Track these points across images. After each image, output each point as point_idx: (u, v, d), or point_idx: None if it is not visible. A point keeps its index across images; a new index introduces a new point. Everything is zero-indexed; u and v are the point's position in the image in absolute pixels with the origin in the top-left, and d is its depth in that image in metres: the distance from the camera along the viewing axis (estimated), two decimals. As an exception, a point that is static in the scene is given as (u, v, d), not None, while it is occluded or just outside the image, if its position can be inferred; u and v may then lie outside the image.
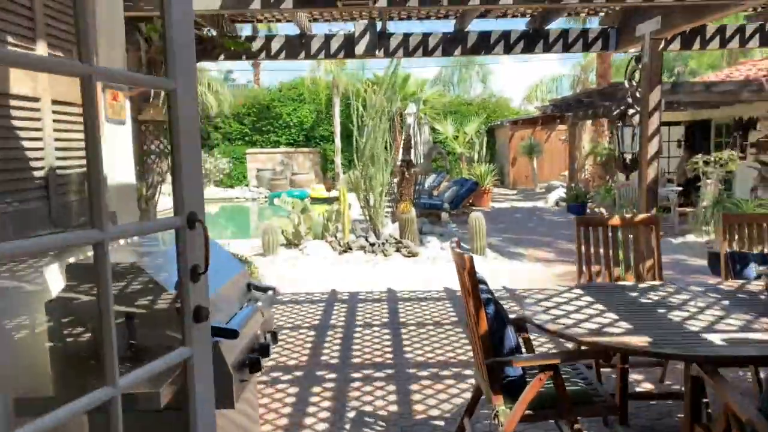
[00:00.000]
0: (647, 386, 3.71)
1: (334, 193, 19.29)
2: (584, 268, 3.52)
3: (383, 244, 8.35)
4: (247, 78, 33.12)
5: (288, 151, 22.24)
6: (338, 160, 21.36)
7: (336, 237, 8.67)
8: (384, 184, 8.84)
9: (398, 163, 10.58)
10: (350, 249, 8.31)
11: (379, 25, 7.88)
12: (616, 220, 3.59)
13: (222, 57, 7.88)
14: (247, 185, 21.74)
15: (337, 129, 21.12)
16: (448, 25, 8.33)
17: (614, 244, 3.54)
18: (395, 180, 10.09)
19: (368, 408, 3.48)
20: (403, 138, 11.76)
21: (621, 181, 10.54)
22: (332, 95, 20.97)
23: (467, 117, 21.51)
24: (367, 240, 8.48)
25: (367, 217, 9.02)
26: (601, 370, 3.44)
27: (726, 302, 2.80)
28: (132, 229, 1.96)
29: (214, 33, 7.59)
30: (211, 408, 1.54)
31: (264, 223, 8.26)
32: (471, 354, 3.59)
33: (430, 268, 7.53)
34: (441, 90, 23.20)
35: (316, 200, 19.24)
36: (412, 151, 17.81)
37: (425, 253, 8.23)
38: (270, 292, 2.46)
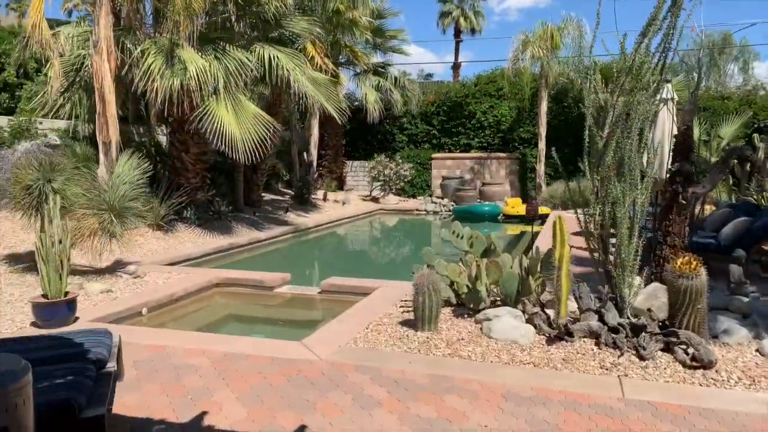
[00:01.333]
0: None
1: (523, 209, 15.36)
2: None
3: (635, 333, 4.46)
4: (445, 68, 30.38)
5: (480, 156, 18.74)
6: (541, 168, 17.29)
7: (542, 306, 4.97)
8: (640, 213, 4.91)
9: (659, 176, 6.50)
10: (569, 336, 4.56)
11: None
12: None
13: None
14: (429, 195, 18.75)
15: (543, 130, 17.06)
16: None
17: None
18: (649, 206, 5.98)
19: None
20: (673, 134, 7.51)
21: None
22: (538, 88, 16.97)
23: (722, 116, 15.91)
24: (602, 320, 4.65)
25: (603, 271, 5.18)
26: None
27: None
28: None
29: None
30: None
31: (421, 272, 4.90)
32: None
33: (746, 399, 3.53)
34: (684, 80, 17.78)
35: (510, 218, 15.48)
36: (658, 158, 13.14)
37: (729, 363, 4.16)
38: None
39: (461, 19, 42.35)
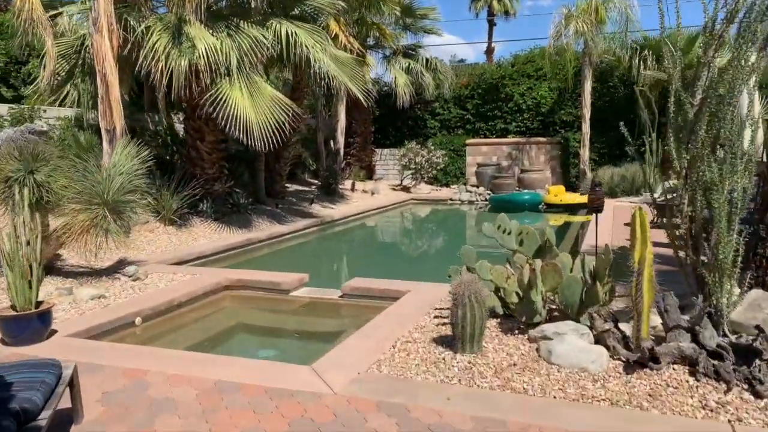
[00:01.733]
0: None
1: (576, 198, 14.14)
2: None
3: (743, 359, 3.40)
4: (477, 54, 29.06)
5: (518, 141, 17.53)
6: (585, 153, 15.99)
7: (615, 321, 3.91)
8: (741, 201, 3.82)
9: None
10: (654, 362, 3.52)
11: None
12: None
13: None
14: (464, 184, 17.65)
15: (587, 112, 15.76)
16: None
17: None
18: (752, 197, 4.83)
19: None
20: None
21: None
22: (582, 67, 15.65)
23: (788, 92, 14.36)
24: (696, 340, 3.59)
25: (689, 274, 4.12)
26: None
27: None
28: None
29: None
30: None
31: (460, 278, 3.90)
32: None
33: None
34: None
35: (553, 208, 14.31)
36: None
37: None
38: None
39: (494, 2, 40.87)
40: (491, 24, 41.96)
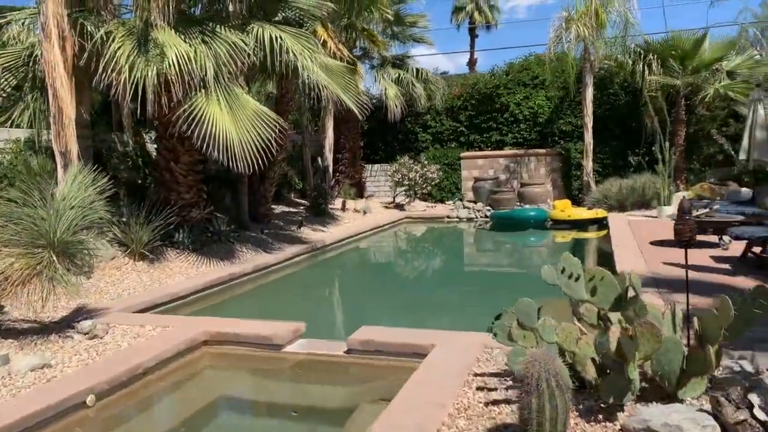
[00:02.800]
0: None
1: (583, 213, 13.16)
2: None
3: None
4: (457, 67, 28.23)
5: (516, 153, 16.58)
6: (589, 164, 15.07)
7: (748, 405, 2.83)
8: None
9: None
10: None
11: None
12: None
13: None
14: (460, 199, 16.63)
15: (589, 121, 14.86)
16: None
17: None
18: None
19: None
20: None
21: None
22: (582, 73, 14.77)
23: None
24: None
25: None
26: None
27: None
28: None
29: None
30: None
31: (532, 355, 2.81)
32: None
33: None
34: (755, 56, 15.47)
35: (560, 224, 13.32)
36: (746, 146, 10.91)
37: None
38: None
39: (476, 14, 40.37)
40: (473, 35, 41.50)
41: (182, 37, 7.70)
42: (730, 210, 9.24)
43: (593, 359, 3.32)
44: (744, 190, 12.28)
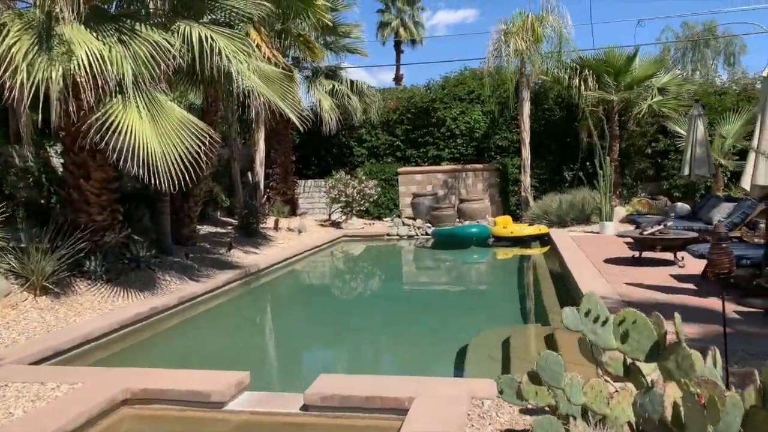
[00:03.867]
0: None
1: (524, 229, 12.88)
2: None
3: None
4: (380, 84, 27.94)
5: (455, 168, 16.23)
6: (527, 180, 14.93)
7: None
8: None
9: None
10: None
11: None
12: None
13: None
14: (399, 216, 16.04)
15: (527, 136, 14.74)
16: None
17: None
18: None
19: None
20: None
21: None
22: (519, 88, 14.65)
23: (720, 113, 14.11)
24: None
25: None
26: None
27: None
28: None
29: None
30: None
31: None
32: None
33: None
34: (681, 74, 15.96)
35: (502, 241, 12.98)
36: (688, 160, 10.95)
37: None
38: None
39: (401, 30, 40.54)
40: (398, 51, 41.60)
41: (94, 34, 6.62)
42: (678, 226, 9.12)
43: (630, 424, 2.69)
44: (680, 204, 12.42)
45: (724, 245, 3.22)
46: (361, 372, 5.36)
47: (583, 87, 14.05)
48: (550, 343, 5.67)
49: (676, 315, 2.82)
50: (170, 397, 4.26)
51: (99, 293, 7.24)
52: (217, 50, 7.15)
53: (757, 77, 15.61)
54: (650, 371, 2.95)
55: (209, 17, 8.59)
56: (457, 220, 14.72)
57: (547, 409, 3.02)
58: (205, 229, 12.53)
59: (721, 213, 9.28)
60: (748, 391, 2.77)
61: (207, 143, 7.14)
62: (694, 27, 20.31)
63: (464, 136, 16.51)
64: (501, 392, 3.05)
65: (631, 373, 2.95)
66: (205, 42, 7.14)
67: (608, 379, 2.96)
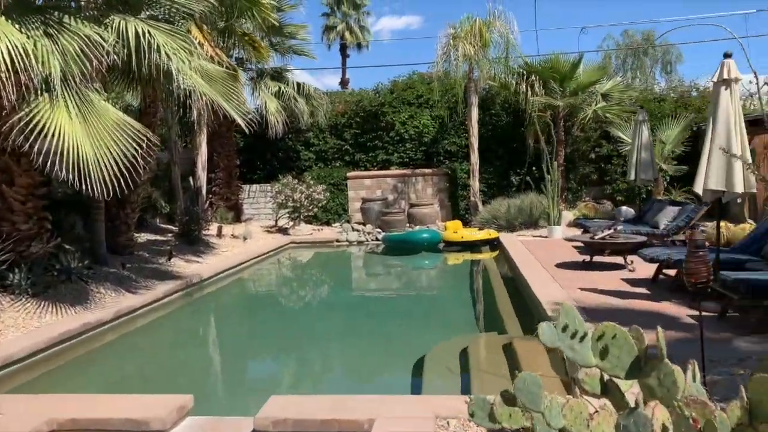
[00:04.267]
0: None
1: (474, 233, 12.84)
2: None
3: None
4: (324, 84, 27.62)
5: (404, 173, 16.10)
6: (476, 184, 14.96)
7: None
8: None
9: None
10: None
11: None
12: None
13: None
14: (348, 221, 15.75)
15: (475, 141, 14.76)
16: None
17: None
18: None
19: None
20: None
21: None
22: (467, 93, 14.66)
23: (660, 119, 14.56)
24: None
25: None
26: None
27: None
28: None
29: None
30: None
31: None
32: None
33: None
34: (622, 81, 16.39)
35: (452, 245, 12.90)
36: (634, 165, 11.14)
37: None
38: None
39: (347, 33, 40.38)
40: (344, 55, 41.40)
41: (17, 26, 6.05)
42: (626, 230, 9.24)
43: (613, 447, 2.51)
44: (625, 208, 12.68)
45: (701, 253, 3.11)
46: (315, 390, 5.07)
47: (530, 92, 14.19)
48: (509, 352, 5.52)
49: (659, 329, 2.67)
50: (103, 426, 3.83)
51: (24, 309, 6.62)
52: (155, 47, 6.69)
53: (693, 85, 16.25)
54: (627, 388, 2.80)
55: (147, 12, 8.11)
56: (408, 225, 14.57)
57: (521, 431, 2.82)
58: (143, 237, 11.86)
59: (666, 217, 9.47)
60: (731, 406, 2.65)
61: (144, 146, 6.67)
62: (633, 36, 21.14)
63: (413, 140, 16.41)
64: (472, 415, 2.80)
65: (609, 390, 2.78)
66: (142, 38, 6.67)
67: (586, 397, 2.79)
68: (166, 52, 6.73)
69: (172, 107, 10.70)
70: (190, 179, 14.11)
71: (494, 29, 14.44)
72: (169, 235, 12.60)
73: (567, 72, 14.29)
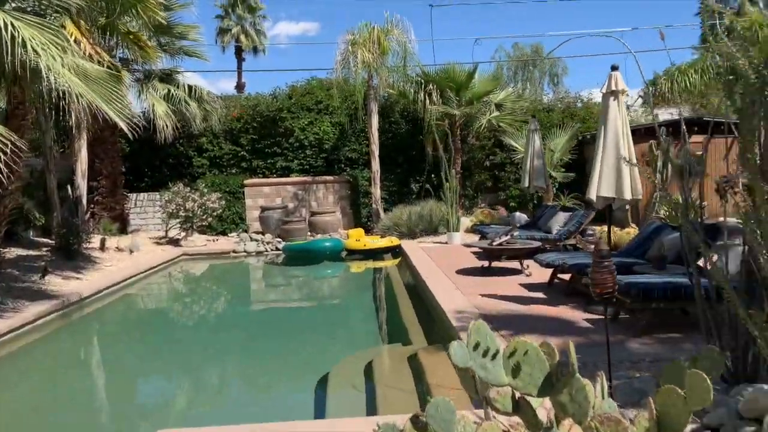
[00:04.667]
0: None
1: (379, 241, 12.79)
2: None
3: None
4: (218, 89, 26.71)
5: (305, 180, 15.75)
6: (377, 192, 14.93)
7: None
8: None
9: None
10: None
11: None
12: None
13: None
14: (245, 231, 15.14)
15: (376, 149, 14.75)
16: None
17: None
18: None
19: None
20: None
21: None
22: (367, 101, 14.62)
23: (549, 128, 15.33)
24: None
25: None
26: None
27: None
28: None
29: None
30: None
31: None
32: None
33: None
34: (514, 92, 17.05)
35: (355, 254, 12.75)
36: (528, 172, 11.52)
37: None
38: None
39: (242, 37, 39.38)
40: (240, 58, 40.33)
41: None
42: (522, 235, 9.52)
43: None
44: (519, 214, 13.15)
45: (606, 263, 3.13)
46: (209, 420, 4.65)
47: (427, 101, 14.39)
48: (414, 364, 5.42)
49: (571, 344, 2.62)
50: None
51: None
52: (20, 41, 5.94)
53: (578, 97, 17.28)
54: (538, 404, 2.73)
55: (14, 4, 7.27)
56: (309, 233, 14.23)
57: (433, 458, 2.65)
58: (13, 252, 10.66)
59: (558, 222, 9.88)
60: (639, 418, 2.65)
61: (9, 152, 5.91)
62: (523, 48, 22.28)
63: (313, 147, 16.11)
64: (381, 443, 2.62)
65: (520, 408, 2.70)
66: (4, 30, 5.91)
67: (497, 416, 2.68)
68: (33, 47, 6.01)
69: (44, 109, 9.70)
70: (69, 188, 12.91)
71: (392, 37, 14.52)
72: (45, 249, 11.44)
73: (463, 82, 14.64)
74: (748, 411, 3.00)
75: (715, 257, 3.52)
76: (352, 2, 50.08)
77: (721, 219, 4.39)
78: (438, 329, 6.41)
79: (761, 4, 16.01)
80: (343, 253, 12.65)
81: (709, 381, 2.24)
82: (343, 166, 16.13)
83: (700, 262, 3.83)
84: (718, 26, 2.53)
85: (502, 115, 14.78)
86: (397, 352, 6.06)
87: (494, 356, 2.58)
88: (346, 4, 52.16)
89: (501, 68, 19.09)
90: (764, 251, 2.49)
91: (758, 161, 2.67)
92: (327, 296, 10.72)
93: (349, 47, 13.70)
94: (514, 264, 8.77)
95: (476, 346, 2.58)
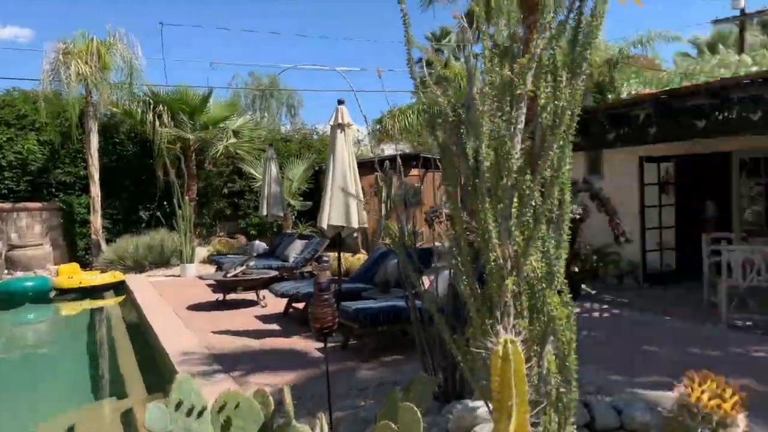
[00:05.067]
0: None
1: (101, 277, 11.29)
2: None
3: None
4: None
5: (2, 207, 13.16)
6: (98, 221, 13.24)
7: None
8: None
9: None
10: None
11: None
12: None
13: None
14: None
15: (95, 172, 13.10)
16: None
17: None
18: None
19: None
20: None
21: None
22: (86, 119, 12.96)
23: (287, 157, 15.61)
24: None
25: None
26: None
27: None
28: None
29: None
30: None
31: None
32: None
33: None
34: (252, 120, 16.83)
35: (68, 293, 11.02)
36: (266, 199, 11.25)
37: None
38: None
39: None
40: None
41: None
42: (258, 265, 9.30)
43: None
44: (257, 242, 12.91)
45: (326, 296, 3.02)
46: None
47: (158, 123, 13.36)
48: (128, 422, 4.71)
49: (286, 388, 2.41)
50: None
51: None
52: None
53: (314, 129, 17.93)
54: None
55: None
56: (6, 271, 11.87)
57: None
58: None
59: (295, 250, 9.90)
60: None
61: None
62: (260, 78, 22.43)
63: (15, 168, 13.60)
64: None
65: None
66: None
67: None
68: None
69: None
70: None
71: (116, 51, 13.19)
72: None
73: (197, 105, 13.98)
74: (457, 429, 3.17)
75: (427, 282, 3.73)
76: (81, 14, 44.68)
77: (438, 244, 4.76)
78: (163, 376, 5.73)
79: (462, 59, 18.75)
80: (52, 293, 10.82)
81: (419, 414, 2.23)
82: (54, 191, 13.95)
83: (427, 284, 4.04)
84: (426, 74, 2.65)
85: (239, 142, 14.49)
86: (108, 408, 5.22)
87: (200, 413, 2.24)
88: (71, 16, 46.39)
89: (238, 95, 18.84)
90: (464, 277, 2.65)
91: (458, 192, 2.84)
92: (29, 344, 8.95)
93: (61, 57, 11.97)
94: (251, 295, 8.47)
95: (179, 405, 2.20)
